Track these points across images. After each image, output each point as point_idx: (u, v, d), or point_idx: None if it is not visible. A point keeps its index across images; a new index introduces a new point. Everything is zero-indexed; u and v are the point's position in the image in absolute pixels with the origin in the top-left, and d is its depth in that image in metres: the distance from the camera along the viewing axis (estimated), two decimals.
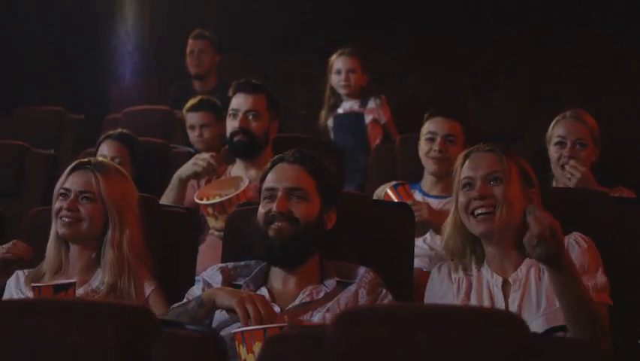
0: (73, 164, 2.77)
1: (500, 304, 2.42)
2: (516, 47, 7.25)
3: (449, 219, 2.53)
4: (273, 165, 2.62)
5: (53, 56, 6.65)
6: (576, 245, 2.44)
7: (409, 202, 3.24)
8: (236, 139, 3.71)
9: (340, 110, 5.12)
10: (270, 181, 2.58)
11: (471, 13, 7.98)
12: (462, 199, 2.47)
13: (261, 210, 2.56)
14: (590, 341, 1.97)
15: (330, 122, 5.09)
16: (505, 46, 7.31)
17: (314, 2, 8.09)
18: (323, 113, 5.17)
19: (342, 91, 5.08)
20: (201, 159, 3.60)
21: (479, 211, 2.43)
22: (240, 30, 7.78)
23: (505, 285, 2.45)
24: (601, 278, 2.40)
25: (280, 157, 2.63)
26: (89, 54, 6.90)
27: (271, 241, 2.52)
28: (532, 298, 2.40)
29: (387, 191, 3.34)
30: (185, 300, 2.54)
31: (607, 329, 2.32)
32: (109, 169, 2.75)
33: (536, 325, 2.32)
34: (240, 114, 3.71)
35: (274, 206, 2.52)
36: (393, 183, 3.38)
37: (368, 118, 5.04)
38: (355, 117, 5.04)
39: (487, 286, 2.46)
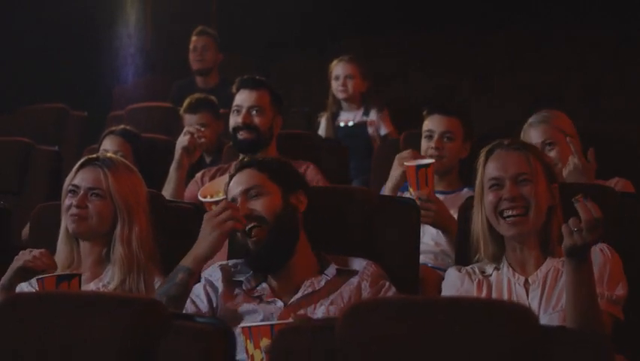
0: (82, 160, 2.76)
1: (523, 301, 2.41)
2: (516, 47, 7.26)
3: (477, 216, 2.50)
4: (230, 180, 2.68)
5: (56, 56, 6.66)
6: (601, 254, 2.42)
7: (421, 197, 3.11)
8: (240, 135, 3.72)
9: (341, 120, 5.17)
10: (229, 193, 2.65)
11: (471, 13, 7.98)
12: (491, 198, 2.44)
13: None
14: (600, 334, 1.98)
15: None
16: (506, 46, 7.32)
17: (314, 1, 8.09)
18: (324, 119, 5.20)
19: (340, 96, 5.16)
20: (184, 134, 3.73)
21: (510, 213, 2.42)
22: (240, 29, 7.78)
23: (527, 284, 2.46)
24: (619, 291, 2.39)
25: (231, 173, 2.70)
26: (91, 55, 6.92)
27: (253, 252, 2.56)
28: (549, 297, 2.41)
29: (410, 166, 3.18)
30: (169, 281, 2.52)
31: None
32: (118, 165, 2.74)
33: (549, 320, 2.33)
34: (244, 110, 3.72)
35: None
36: (420, 161, 3.22)
37: (370, 129, 5.11)
38: (360, 129, 5.10)
39: (507, 284, 2.46)
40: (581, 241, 2.15)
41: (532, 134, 3.46)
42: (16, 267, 2.60)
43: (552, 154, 3.41)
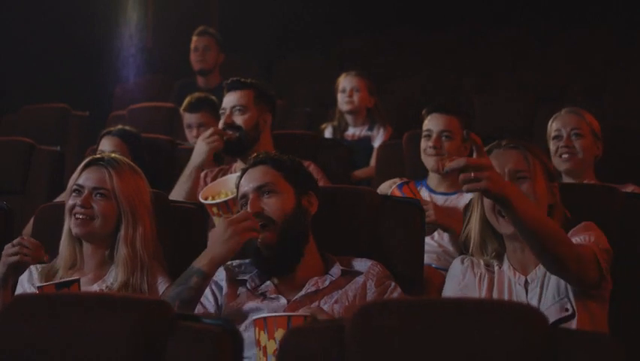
0: (87, 160, 2.75)
1: (522, 300, 2.40)
2: (519, 46, 7.27)
3: (474, 216, 2.50)
4: (242, 174, 2.66)
5: (57, 56, 6.66)
6: (582, 226, 2.43)
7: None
8: (225, 137, 3.73)
9: (347, 135, 5.16)
10: (241, 188, 2.63)
11: (473, 13, 7.99)
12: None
13: None
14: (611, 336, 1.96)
15: None
16: (509, 45, 7.32)
17: (315, 1, 8.10)
18: (329, 130, 5.19)
19: (345, 108, 5.13)
20: (207, 137, 3.69)
21: None
22: (242, 29, 7.78)
23: (527, 283, 2.44)
24: (603, 245, 2.37)
25: (244, 168, 2.68)
26: (92, 55, 6.93)
27: (259, 251, 2.55)
28: (548, 295, 2.39)
29: (393, 190, 3.30)
30: (181, 284, 2.48)
31: (601, 270, 2.32)
32: (122, 165, 2.73)
33: (548, 313, 2.31)
34: (227, 111, 3.75)
35: (248, 208, 2.56)
36: (398, 182, 3.35)
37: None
38: (364, 142, 5.10)
39: (508, 284, 2.45)
40: (483, 185, 2.11)
41: (564, 121, 3.51)
42: (6, 263, 2.56)
43: (578, 144, 3.48)
